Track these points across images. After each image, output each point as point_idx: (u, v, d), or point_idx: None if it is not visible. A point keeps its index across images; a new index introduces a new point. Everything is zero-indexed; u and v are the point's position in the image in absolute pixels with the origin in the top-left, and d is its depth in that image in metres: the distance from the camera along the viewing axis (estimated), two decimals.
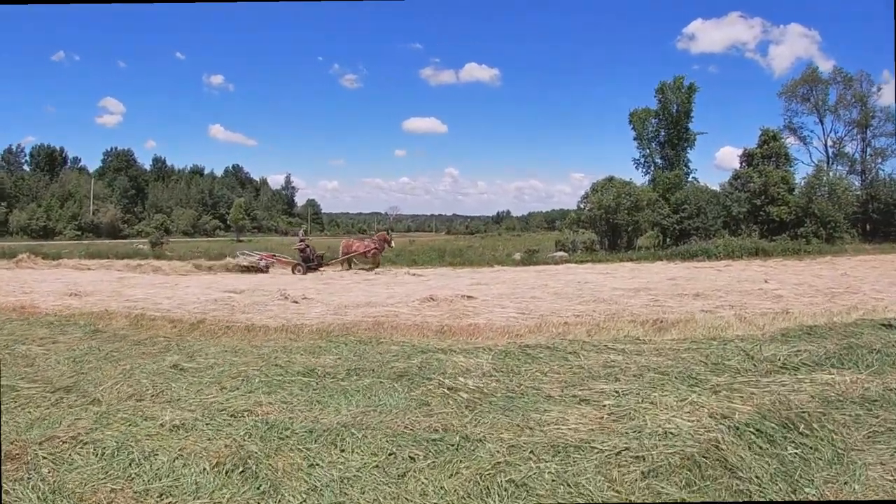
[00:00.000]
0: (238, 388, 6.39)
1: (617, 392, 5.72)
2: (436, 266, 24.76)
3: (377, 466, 4.42)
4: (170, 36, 73.76)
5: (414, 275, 21.78)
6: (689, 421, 4.89)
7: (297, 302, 13.25)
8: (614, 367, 6.63)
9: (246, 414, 5.61)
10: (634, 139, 37.17)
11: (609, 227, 31.41)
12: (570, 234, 32.89)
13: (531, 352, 7.42)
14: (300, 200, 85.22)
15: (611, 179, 32.93)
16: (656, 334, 8.66)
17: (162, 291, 15.73)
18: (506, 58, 73.46)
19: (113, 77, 71.94)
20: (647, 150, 36.81)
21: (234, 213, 65.58)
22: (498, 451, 4.51)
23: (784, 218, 31.64)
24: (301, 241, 24.50)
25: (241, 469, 4.33)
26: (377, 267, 24.08)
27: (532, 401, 5.66)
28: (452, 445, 4.67)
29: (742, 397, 5.40)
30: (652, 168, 36.70)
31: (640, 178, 36.84)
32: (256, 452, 4.58)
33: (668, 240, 32.68)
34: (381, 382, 6.41)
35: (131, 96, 76.12)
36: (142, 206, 64.74)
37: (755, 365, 6.44)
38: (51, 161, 65.47)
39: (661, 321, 9.67)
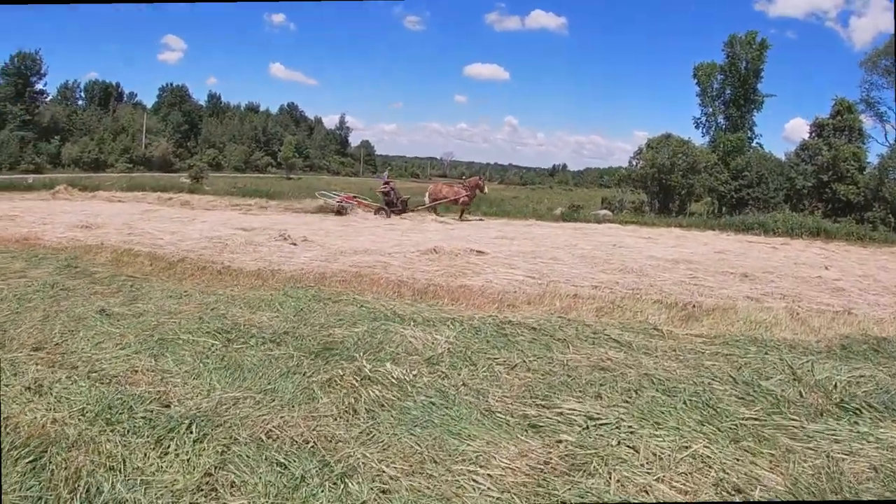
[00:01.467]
0: (131, 346, 5.41)
1: (590, 419, 4.04)
2: (471, 214, 22.95)
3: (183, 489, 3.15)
4: None
5: (441, 222, 20.34)
6: (680, 492, 3.27)
7: (295, 244, 12.28)
8: (606, 371, 4.98)
9: (108, 381, 4.60)
10: (697, 95, 34.15)
11: (661, 189, 29.01)
12: (619, 193, 30.75)
13: (508, 331, 5.92)
14: (355, 141, 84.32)
15: (668, 137, 30.28)
16: (682, 324, 6.94)
17: (172, 226, 15.01)
18: (574, 5, 69.57)
19: (175, 14, 71.18)
20: (710, 109, 33.90)
21: (286, 151, 64.74)
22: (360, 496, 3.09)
23: (851, 198, 28.88)
24: (385, 183, 22.78)
25: (31, 458, 3.37)
26: (466, 215, 22.36)
27: (459, 416, 4.10)
28: (300, 477, 3.26)
29: (774, 456, 3.66)
30: (713, 129, 33.97)
31: (699, 139, 34.09)
32: (68, 438, 3.61)
33: (723, 208, 30.15)
34: (291, 357, 5.15)
35: (193, 34, 75.30)
36: (195, 141, 64.22)
37: (802, 394, 4.64)
38: (105, 96, 65.25)
39: (694, 306, 7.91)
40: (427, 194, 23.14)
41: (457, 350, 5.40)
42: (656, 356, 5.43)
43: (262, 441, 3.64)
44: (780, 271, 11.94)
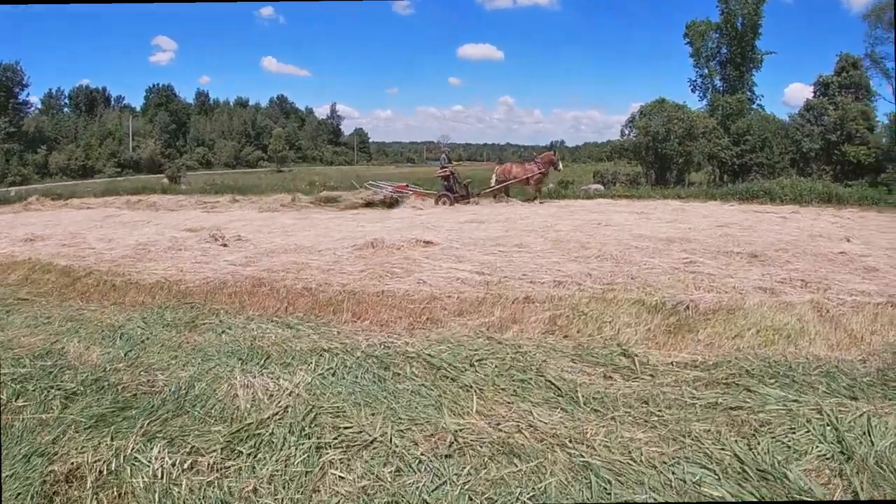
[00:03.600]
0: None
1: None
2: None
3: None
4: None
5: (413, 207, 18.31)
6: None
7: (225, 245, 10.53)
8: (515, 461, 2.93)
9: None
10: (690, 56, 31.63)
11: (657, 158, 26.66)
12: (612, 166, 28.57)
13: (393, 370, 4.06)
14: (349, 129, 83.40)
15: (662, 102, 28.00)
16: (668, 339, 4.97)
17: (118, 232, 13.42)
18: None
19: (163, 15, 70.00)
20: (706, 70, 31.62)
21: (275, 144, 63.26)
22: None
23: (862, 160, 26.87)
24: (443, 167, 20.27)
25: None
26: (539, 196, 20.05)
27: None
28: None
29: None
30: (710, 92, 31.62)
31: (696, 104, 31.78)
32: None
33: (724, 176, 28.05)
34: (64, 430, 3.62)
35: (183, 33, 73.83)
36: (184, 140, 62.47)
37: (862, 482, 2.59)
38: (91, 102, 64.09)
39: (687, 307, 5.89)
40: (493, 175, 20.54)
41: (298, 410, 3.48)
42: (614, 415, 3.37)
43: None
44: (796, 247, 9.81)
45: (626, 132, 29.12)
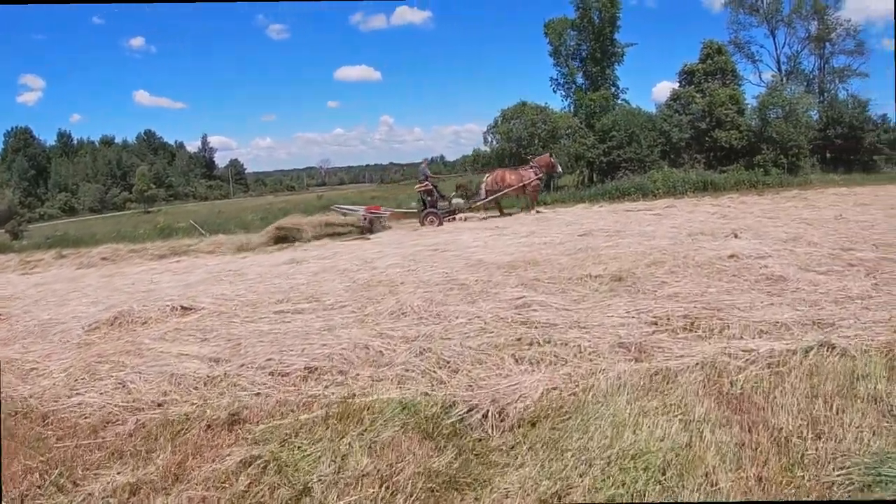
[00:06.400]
0: None
1: None
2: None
3: None
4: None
5: (244, 257, 14.43)
6: None
7: None
8: None
9: None
10: (550, 55, 29.80)
11: (521, 164, 24.64)
12: (476, 177, 26.34)
13: None
14: (223, 161, 79.66)
15: (523, 105, 26.09)
16: None
17: None
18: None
19: (29, 52, 64.49)
20: (567, 68, 29.92)
21: (139, 183, 58.24)
22: None
23: (735, 144, 25.95)
24: (423, 180, 17.07)
25: None
26: (535, 206, 17.43)
27: None
28: None
29: None
30: (573, 91, 30.03)
31: (560, 103, 29.83)
32: None
33: (594, 176, 26.42)
34: None
35: (51, 70, 67.89)
36: (45, 187, 58.24)
37: None
38: None
39: (485, 416, 3.37)
40: (482, 186, 17.56)
41: None
42: None
43: None
44: (674, 256, 7.46)
45: (489, 139, 27.04)
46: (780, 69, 32.61)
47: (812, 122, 27.85)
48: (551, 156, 18.21)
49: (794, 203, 15.71)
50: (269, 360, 4.70)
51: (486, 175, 17.74)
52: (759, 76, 32.69)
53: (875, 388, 3.30)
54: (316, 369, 4.41)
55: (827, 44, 32.36)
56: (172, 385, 4.45)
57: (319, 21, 70.52)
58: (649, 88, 68.22)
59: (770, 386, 3.36)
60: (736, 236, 9.14)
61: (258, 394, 4.07)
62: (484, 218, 16.69)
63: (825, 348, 3.92)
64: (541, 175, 17.27)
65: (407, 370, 4.15)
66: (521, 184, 16.95)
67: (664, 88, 38.21)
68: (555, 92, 30.48)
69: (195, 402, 4.08)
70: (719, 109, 26.17)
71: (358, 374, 4.22)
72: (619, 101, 29.27)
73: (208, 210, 35.34)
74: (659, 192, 21.02)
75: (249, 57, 74.71)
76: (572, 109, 28.67)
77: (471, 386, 3.73)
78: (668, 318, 4.71)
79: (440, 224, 15.65)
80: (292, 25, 65.77)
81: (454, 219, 16.44)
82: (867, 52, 32.45)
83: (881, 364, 3.62)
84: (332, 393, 3.91)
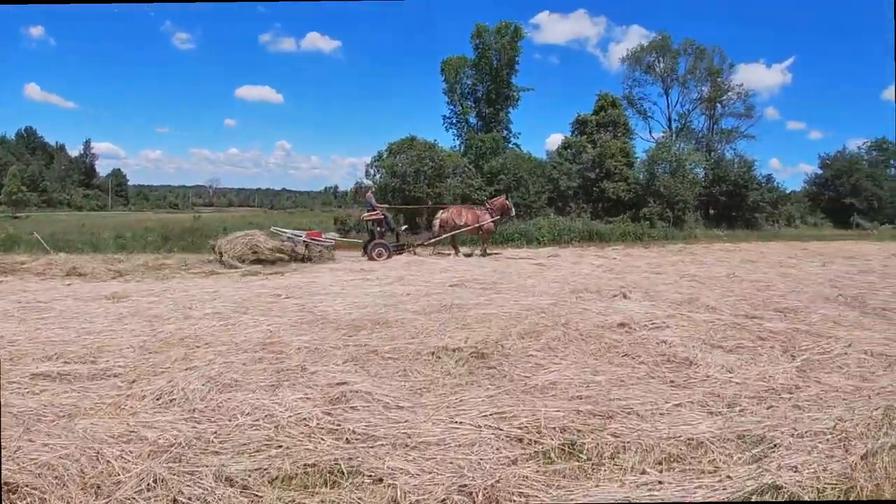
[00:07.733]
0: None
1: None
2: (149, 252, 14.80)
3: None
4: None
5: (69, 284, 11.85)
6: None
7: None
8: None
9: None
10: (444, 93, 29.68)
11: (404, 202, 23.20)
12: (353, 212, 24.73)
13: None
14: (106, 170, 74.49)
15: (412, 140, 24.83)
16: None
17: None
18: (349, 28, 68.05)
19: None
20: (460, 107, 29.39)
21: (10, 185, 53.80)
22: None
23: (622, 196, 26.02)
24: (370, 209, 15.22)
25: None
26: (487, 247, 16.21)
27: None
28: None
29: None
30: (465, 130, 29.46)
31: (450, 142, 29.81)
32: None
33: None
34: None
35: None
36: None
37: None
38: None
39: None
40: (436, 223, 16.00)
41: None
42: None
43: None
44: (554, 325, 6.09)
45: (372, 172, 25.55)
46: (671, 126, 34.21)
47: (698, 179, 28.58)
48: (507, 198, 17.23)
49: (680, 257, 15.14)
50: None
51: (441, 212, 16.23)
52: (650, 132, 34.11)
53: None
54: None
55: (718, 105, 34.40)
56: None
57: (228, 35, 69.77)
58: (543, 138, 69.84)
59: None
60: (625, 296, 7.92)
61: None
62: (435, 254, 15.42)
63: (768, 493, 2.58)
64: (496, 217, 16.22)
65: None
66: (476, 224, 15.70)
67: (557, 140, 38.62)
68: (447, 130, 30.00)
69: None
70: (609, 161, 26.21)
71: None
72: (511, 145, 28.80)
73: (77, 221, 31.93)
74: (545, 238, 20.36)
75: (151, 63, 72.44)
76: (462, 149, 27.84)
77: None
78: (540, 432, 3.23)
79: (389, 257, 14.17)
80: (199, 37, 64.10)
81: (403, 252, 15.09)
82: (755, 116, 34.73)
83: None
84: None
